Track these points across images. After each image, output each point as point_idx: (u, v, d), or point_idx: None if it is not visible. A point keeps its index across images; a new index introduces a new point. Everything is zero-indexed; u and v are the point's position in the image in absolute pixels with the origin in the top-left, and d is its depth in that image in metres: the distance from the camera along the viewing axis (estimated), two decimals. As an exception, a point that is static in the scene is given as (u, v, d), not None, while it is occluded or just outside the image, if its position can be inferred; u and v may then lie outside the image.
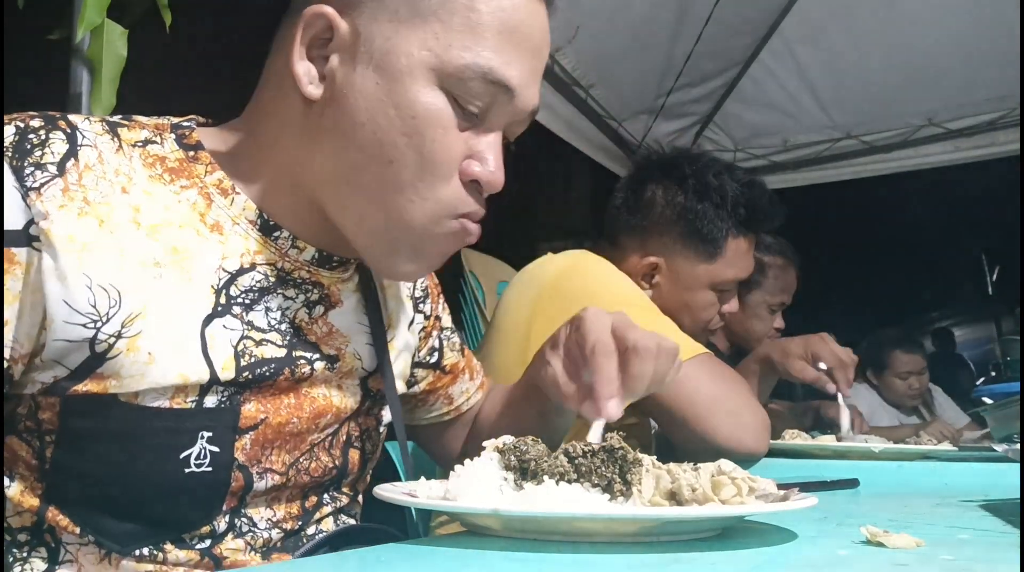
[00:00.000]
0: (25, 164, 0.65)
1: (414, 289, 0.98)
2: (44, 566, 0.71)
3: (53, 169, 0.66)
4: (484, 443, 0.67)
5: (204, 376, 0.70)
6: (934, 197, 5.76)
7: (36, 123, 0.68)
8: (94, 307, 0.66)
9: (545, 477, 0.60)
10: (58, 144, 0.67)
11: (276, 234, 0.77)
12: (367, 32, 0.71)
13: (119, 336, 0.67)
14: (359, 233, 0.75)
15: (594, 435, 0.72)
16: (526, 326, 1.35)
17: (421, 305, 0.99)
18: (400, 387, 0.95)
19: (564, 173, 4.75)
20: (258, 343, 0.74)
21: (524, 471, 0.61)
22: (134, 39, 1.40)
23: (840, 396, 1.51)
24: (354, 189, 0.73)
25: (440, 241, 0.75)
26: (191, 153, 0.76)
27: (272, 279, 0.77)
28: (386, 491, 0.65)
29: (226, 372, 0.71)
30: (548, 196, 4.95)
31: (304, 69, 0.72)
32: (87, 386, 0.67)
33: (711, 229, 1.49)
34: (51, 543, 0.71)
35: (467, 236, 0.76)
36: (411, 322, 0.97)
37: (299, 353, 0.77)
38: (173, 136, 0.76)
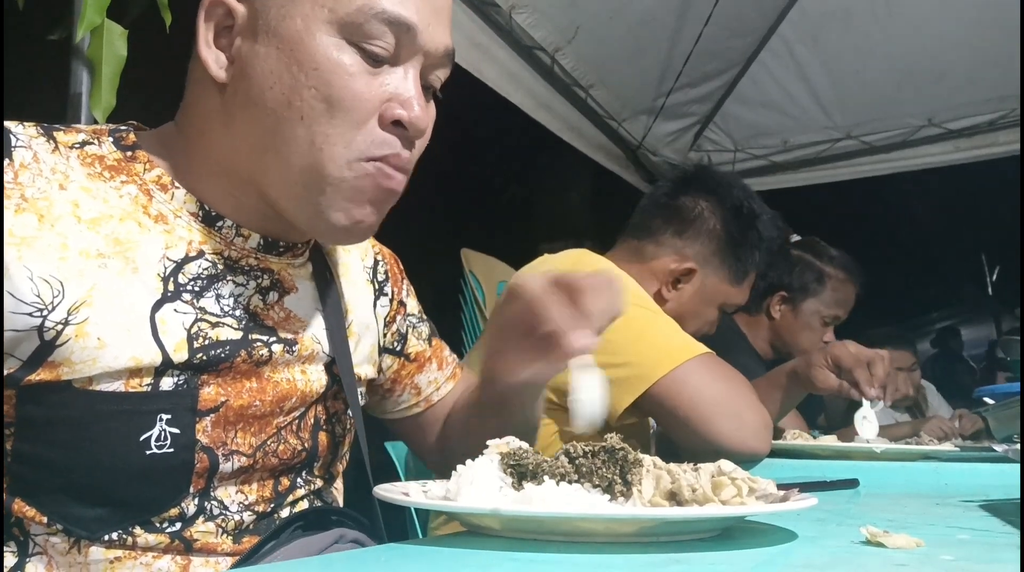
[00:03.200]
0: None
1: (374, 272, 0.98)
2: (15, 560, 0.71)
3: None
4: (488, 442, 0.67)
5: (157, 359, 0.71)
6: (934, 197, 5.76)
7: None
8: (38, 297, 0.68)
9: (545, 477, 0.60)
10: None
11: (219, 224, 0.78)
12: (262, 7, 0.74)
13: (66, 323, 0.68)
14: (287, 198, 0.76)
15: (581, 382, 0.71)
16: (526, 326, 1.35)
17: (384, 287, 0.99)
18: (370, 372, 0.95)
19: (564, 173, 4.75)
20: (213, 325, 0.75)
21: (522, 477, 0.61)
22: (133, 39, 1.40)
23: (865, 402, 1.45)
24: (273, 154, 0.74)
25: (359, 186, 0.74)
26: (129, 153, 0.77)
27: (220, 267, 0.78)
28: (385, 491, 0.65)
29: (179, 354, 0.73)
30: (548, 196, 4.95)
31: (212, 56, 0.75)
32: (40, 375, 0.68)
33: (748, 256, 1.57)
34: (19, 536, 0.71)
35: (387, 179, 0.75)
36: (373, 305, 0.97)
37: (255, 336, 0.78)
38: (111, 139, 0.78)
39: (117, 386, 0.70)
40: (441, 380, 1.05)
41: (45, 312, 0.68)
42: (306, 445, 0.84)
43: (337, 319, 0.88)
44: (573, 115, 3.21)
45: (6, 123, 0.72)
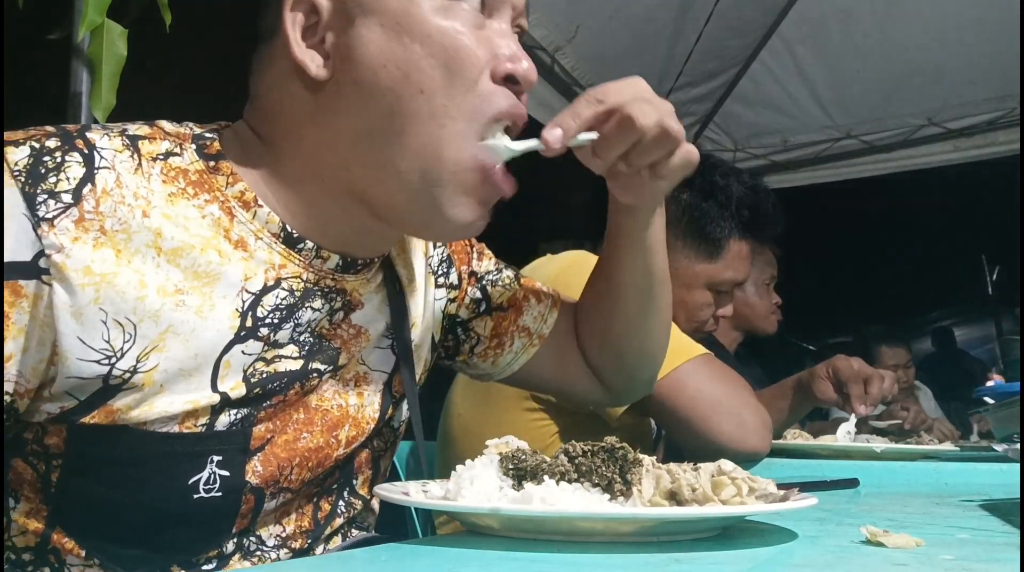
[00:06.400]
0: (38, 192, 0.62)
1: (439, 262, 0.95)
2: None
3: (68, 198, 0.63)
4: (487, 442, 0.67)
5: (215, 399, 0.69)
6: (934, 197, 5.75)
7: (52, 143, 0.65)
8: (108, 343, 0.64)
9: (545, 477, 0.60)
10: (74, 168, 0.64)
11: (300, 246, 0.75)
12: None
13: (135, 371, 0.65)
14: (399, 193, 0.72)
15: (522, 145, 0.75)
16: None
17: (448, 275, 0.96)
18: (422, 377, 0.93)
19: (564, 173, 4.75)
20: (269, 361, 0.73)
21: (521, 480, 0.61)
22: (133, 39, 1.40)
23: (852, 417, 1.50)
24: (385, 142, 0.71)
25: (471, 180, 0.72)
26: (212, 163, 0.73)
27: (298, 294, 0.75)
28: (386, 491, 0.65)
29: (236, 391, 0.70)
30: (548, 196, 4.95)
31: (308, 56, 0.71)
32: (95, 418, 0.65)
33: (713, 228, 1.51)
34: (55, 563, 0.70)
35: (503, 181, 0.74)
36: (438, 299, 0.95)
37: (314, 365, 0.76)
38: (194, 147, 0.73)
39: (171, 427, 0.67)
40: (545, 312, 1.00)
41: (113, 359, 0.65)
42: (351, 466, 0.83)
43: (401, 329, 0.85)
44: (573, 115, 3.20)
45: (90, 135, 0.67)
